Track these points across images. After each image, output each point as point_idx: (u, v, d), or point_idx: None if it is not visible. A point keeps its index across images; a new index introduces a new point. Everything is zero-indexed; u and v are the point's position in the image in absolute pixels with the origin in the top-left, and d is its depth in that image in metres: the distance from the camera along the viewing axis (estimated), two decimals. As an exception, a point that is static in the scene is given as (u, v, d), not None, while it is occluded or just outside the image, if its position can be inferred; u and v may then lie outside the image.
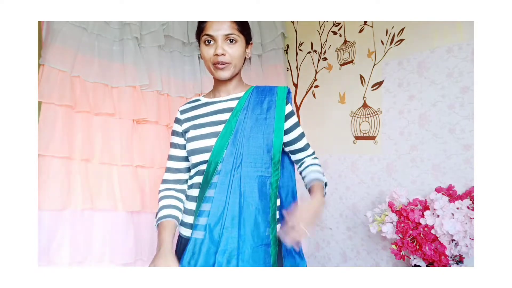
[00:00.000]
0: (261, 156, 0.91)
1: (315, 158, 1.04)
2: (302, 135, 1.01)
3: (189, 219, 0.94)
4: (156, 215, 0.95)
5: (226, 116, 0.94)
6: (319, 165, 1.01)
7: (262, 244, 0.87)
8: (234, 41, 0.90)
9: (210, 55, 0.90)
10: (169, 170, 1.02)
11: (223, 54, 0.88)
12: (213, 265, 0.84)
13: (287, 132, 0.97)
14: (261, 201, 0.89)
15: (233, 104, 0.96)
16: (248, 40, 0.96)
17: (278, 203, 0.96)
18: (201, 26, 0.92)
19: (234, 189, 0.88)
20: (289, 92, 1.00)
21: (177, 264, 0.82)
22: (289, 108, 0.98)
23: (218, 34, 0.88)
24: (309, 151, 1.04)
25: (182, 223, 0.97)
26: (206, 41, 0.90)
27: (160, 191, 1.00)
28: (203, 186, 0.90)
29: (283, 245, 0.96)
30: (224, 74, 0.92)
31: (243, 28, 0.92)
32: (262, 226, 0.88)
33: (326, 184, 0.97)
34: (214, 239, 0.86)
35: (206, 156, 0.91)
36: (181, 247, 0.95)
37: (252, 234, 0.86)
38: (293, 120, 0.98)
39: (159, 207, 0.96)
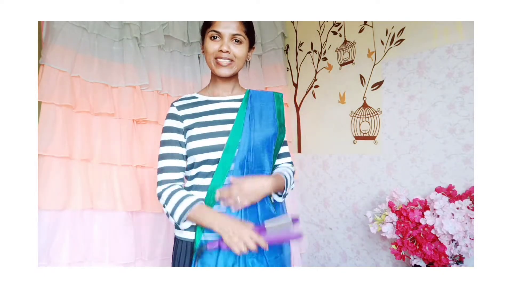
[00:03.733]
0: (263, 157, 0.96)
1: (292, 166, 1.08)
2: (285, 143, 1.07)
3: (190, 223, 0.91)
4: (175, 212, 0.87)
5: (232, 115, 0.95)
6: (293, 172, 1.05)
7: None
8: (239, 42, 0.92)
9: (214, 50, 0.92)
10: (167, 169, 0.93)
11: (227, 51, 0.91)
12: (233, 264, 0.84)
13: None
14: (270, 201, 0.96)
15: (237, 105, 0.98)
16: (251, 43, 0.99)
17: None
18: (208, 22, 0.93)
19: None
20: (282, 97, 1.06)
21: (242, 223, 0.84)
22: None
23: (225, 32, 0.90)
24: (288, 159, 1.07)
25: (186, 228, 0.92)
26: (212, 37, 0.92)
27: (164, 190, 0.91)
28: (215, 187, 0.89)
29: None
30: (225, 72, 0.94)
31: (250, 31, 0.95)
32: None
33: (287, 183, 0.98)
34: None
35: (214, 155, 0.90)
36: (181, 250, 0.92)
37: None
38: None
39: (177, 200, 0.87)
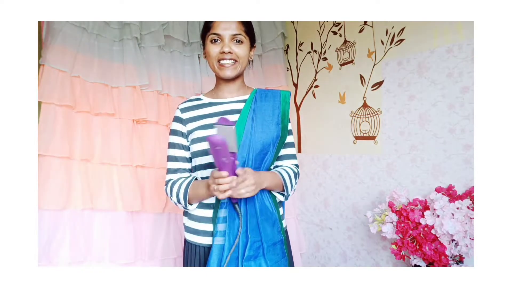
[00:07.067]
0: (262, 159, 0.93)
1: (297, 168, 1.02)
2: (292, 144, 1.02)
3: (204, 226, 0.92)
4: (179, 197, 0.91)
5: (235, 117, 0.93)
6: (296, 173, 0.99)
7: (278, 240, 0.90)
8: (240, 42, 0.91)
9: (216, 53, 0.91)
10: (172, 171, 0.97)
11: (229, 52, 0.90)
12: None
13: None
14: (271, 199, 0.93)
15: (240, 106, 0.96)
16: (252, 43, 0.97)
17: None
18: (208, 26, 0.92)
19: None
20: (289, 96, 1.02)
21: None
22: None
23: (225, 34, 0.89)
24: (295, 161, 1.02)
25: (195, 231, 0.94)
26: (213, 40, 0.91)
27: (167, 186, 0.96)
28: None
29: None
30: (229, 73, 0.92)
31: (249, 30, 0.94)
32: (276, 224, 0.91)
33: (285, 181, 0.93)
34: (235, 244, 0.85)
35: None
36: (191, 253, 0.94)
37: (272, 233, 0.88)
38: (289, 126, 1.00)
39: (178, 188, 0.91)
